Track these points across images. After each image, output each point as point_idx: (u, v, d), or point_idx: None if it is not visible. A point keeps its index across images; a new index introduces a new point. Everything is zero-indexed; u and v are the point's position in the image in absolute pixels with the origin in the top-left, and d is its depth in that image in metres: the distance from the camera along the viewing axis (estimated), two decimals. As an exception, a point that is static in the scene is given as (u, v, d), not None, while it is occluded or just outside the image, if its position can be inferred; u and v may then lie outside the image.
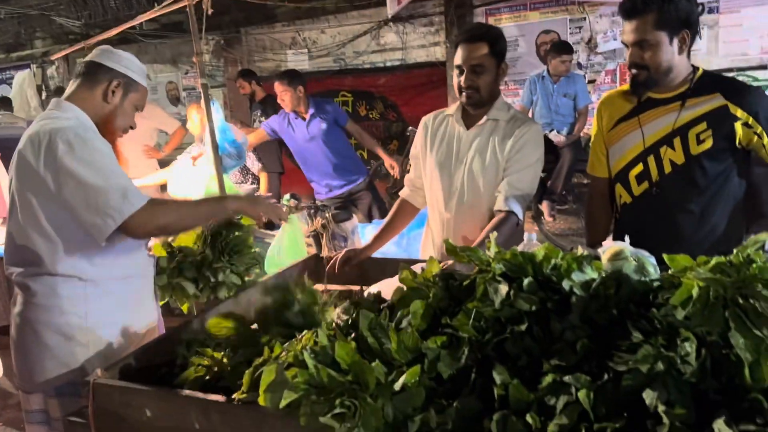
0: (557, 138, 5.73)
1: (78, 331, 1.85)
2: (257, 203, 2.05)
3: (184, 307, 2.18)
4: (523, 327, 1.15)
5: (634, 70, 2.06)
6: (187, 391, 1.42)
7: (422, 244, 2.58)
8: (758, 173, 2.18)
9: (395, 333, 1.20)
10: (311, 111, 4.53)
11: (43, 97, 10.52)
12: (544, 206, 5.72)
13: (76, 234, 1.80)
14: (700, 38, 5.93)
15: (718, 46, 5.88)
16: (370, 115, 7.92)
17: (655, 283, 1.20)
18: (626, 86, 2.23)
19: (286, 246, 3.05)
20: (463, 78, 2.22)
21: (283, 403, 1.15)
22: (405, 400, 1.12)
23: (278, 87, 4.46)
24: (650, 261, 1.52)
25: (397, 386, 1.12)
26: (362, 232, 3.70)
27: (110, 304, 1.90)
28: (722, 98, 2.01)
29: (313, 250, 3.21)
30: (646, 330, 1.09)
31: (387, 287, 1.90)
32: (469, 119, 2.33)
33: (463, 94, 2.25)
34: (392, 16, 6.89)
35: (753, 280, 1.03)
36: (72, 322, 1.85)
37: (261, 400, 1.20)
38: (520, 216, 2.20)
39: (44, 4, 9.67)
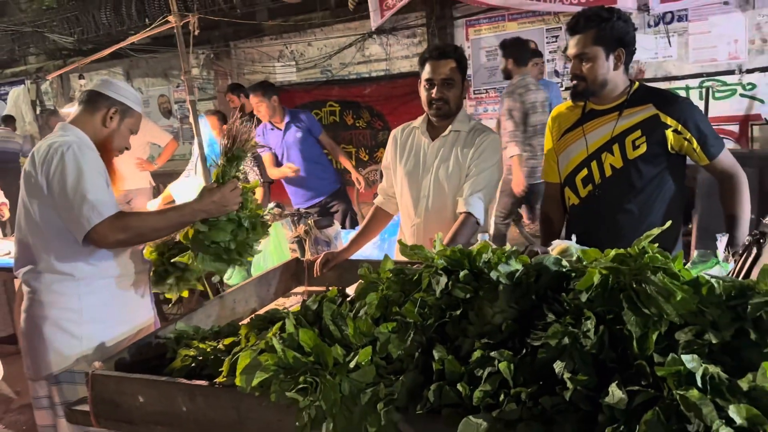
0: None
1: (73, 326, 2.07)
2: (220, 201, 2.06)
3: (170, 295, 2.38)
4: (458, 312, 1.35)
5: (574, 81, 2.29)
6: (173, 378, 1.62)
7: (396, 247, 2.78)
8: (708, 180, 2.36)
9: (351, 320, 1.40)
10: (286, 120, 4.71)
11: (38, 111, 10.70)
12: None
13: (69, 236, 2.01)
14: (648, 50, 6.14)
15: (688, 53, 6.11)
16: (357, 124, 8.14)
17: (571, 273, 1.40)
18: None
19: (271, 251, 3.25)
20: (434, 91, 2.44)
21: (255, 382, 1.34)
22: (359, 376, 1.32)
23: (253, 99, 4.63)
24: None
25: (352, 364, 1.32)
26: (345, 238, 3.90)
27: (103, 301, 2.11)
28: (654, 108, 2.23)
29: (296, 255, 3.41)
30: (558, 312, 1.29)
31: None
32: (433, 131, 2.55)
33: (434, 106, 2.47)
34: (376, 28, 7.13)
35: (644, 268, 1.24)
36: (67, 317, 2.08)
37: (237, 381, 1.40)
38: (479, 216, 2.39)
39: (38, 21, 9.88)
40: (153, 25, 3.67)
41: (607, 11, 2.20)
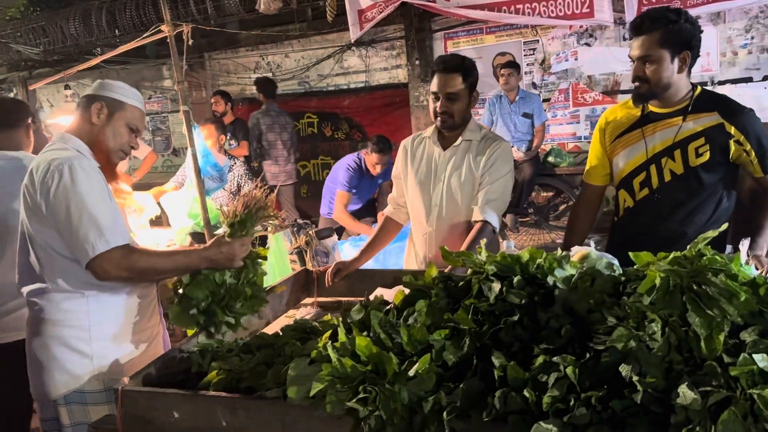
0: (517, 154, 6.03)
1: (82, 344, 1.98)
2: (228, 253, 2.01)
3: (190, 332, 2.30)
4: (515, 318, 1.34)
5: (636, 83, 2.25)
6: (212, 392, 1.57)
7: (405, 257, 2.77)
8: (751, 188, 2.37)
9: (405, 328, 1.38)
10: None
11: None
12: (508, 219, 5.99)
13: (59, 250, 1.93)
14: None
15: (662, 65, 6.27)
16: (336, 136, 8.13)
17: (622, 277, 1.41)
18: (627, 101, 2.43)
19: (272, 263, 3.21)
20: (438, 104, 2.45)
21: (313, 392, 1.31)
22: (418, 384, 1.30)
23: (375, 156, 4.62)
24: (614, 262, 1.74)
25: (411, 373, 1.30)
26: (341, 249, 3.87)
27: (112, 318, 2.03)
28: (719, 116, 2.21)
29: (297, 266, 3.37)
30: (618, 315, 1.30)
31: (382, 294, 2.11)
32: (444, 141, 2.56)
33: (438, 119, 2.48)
34: (355, 40, 7.14)
35: (704, 270, 1.25)
36: (76, 335, 1.98)
37: (290, 393, 1.36)
38: (495, 224, 2.41)
39: (1, 32, 9.61)
40: (146, 34, 3.59)
41: (674, 12, 2.16)
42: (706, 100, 2.26)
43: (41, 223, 1.93)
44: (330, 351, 1.34)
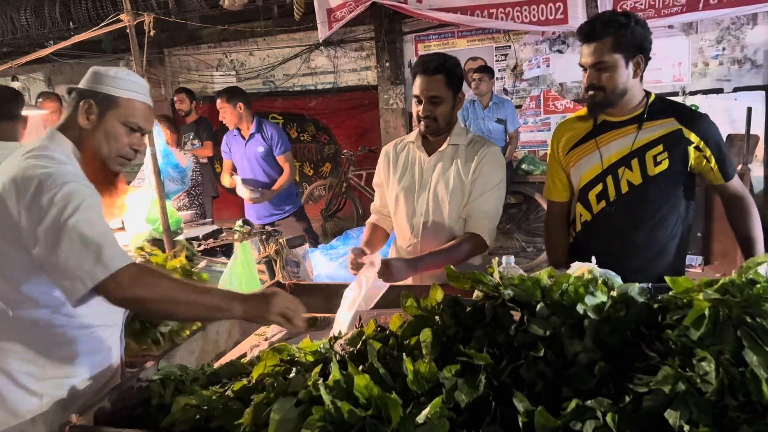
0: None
1: (32, 381, 1.69)
2: (273, 309, 1.57)
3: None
4: (541, 352, 1.15)
5: (591, 92, 2.13)
6: (178, 433, 1.34)
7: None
8: (728, 197, 2.24)
9: (410, 362, 1.18)
10: (252, 130, 4.43)
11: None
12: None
13: (41, 283, 1.62)
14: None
15: (634, 74, 6.25)
16: (302, 138, 7.87)
17: (656, 305, 1.24)
18: (581, 111, 2.32)
19: (239, 273, 2.97)
20: (422, 108, 2.24)
21: (302, 444, 1.10)
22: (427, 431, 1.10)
23: (218, 104, 4.36)
24: (617, 280, 1.57)
25: (420, 419, 1.10)
26: (312, 257, 3.66)
27: (71, 354, 1.73)
28: (677, 122, 2.12)
29: (266, 277, 3.13)
30: (659, 351, 1.12)
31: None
32: (429, 145, 2.36)
33: (422, 123, 2.27)
34: (323, 40, 6.92)
35: (758, 300, 1.09)
36: (27, 370, 1.68)
37: (274, 441, 1.15)
38: (486, 239, 2.23)
39: (-55, 21, 9.07)
40: (104, 23, 3.30)
41: (624, 16, 2.07)
42: (661, 107, 2.17)
43: (9, 239, 1.58)
44: (323, 391, 1.13)
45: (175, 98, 6.27)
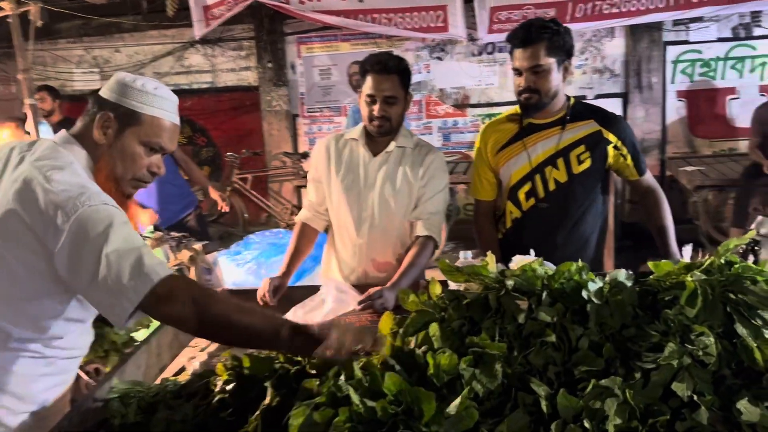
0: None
1: (9, 416, 1.46)
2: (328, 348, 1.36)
3: None
4: (552, 338, 1.21)
5: (526, 95, 2.24)
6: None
7: (323, 270, 2.51)
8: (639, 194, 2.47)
9: (431, 357, 1.18)
10: None
11: None
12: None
13: (47, 308, 1.45)
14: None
15: (507, 81, 6.62)
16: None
17: (638, 288, 1.34)
18: (506, 113, 2.45)
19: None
20: (376, 108, 2.22)
21: (335, 447, 1.06)
22: (456, 424, 1.11)
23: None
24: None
25: (451, 410, 1.10)
26: (221, 263, 3.49)
27: (46, 385, 1.52)
28: (596, 124, 2.31)
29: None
30: (659, 329, 1.22)
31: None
32: (374, 145, 2.35)
33: (375, 123, 2.25)
34: (200, 38, 6.64)
35: (738, 279, 1.22)
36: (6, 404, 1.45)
37: (299, 448, 1.10)
38: (438, 239, 2.28)
39: None
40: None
41: (554, 22, 2.21)
42: (581, 110, 2.36)
43: (23, 250, 1.37)
44: (351, 392, 1.10)
45: (36, 97, 5.70)
